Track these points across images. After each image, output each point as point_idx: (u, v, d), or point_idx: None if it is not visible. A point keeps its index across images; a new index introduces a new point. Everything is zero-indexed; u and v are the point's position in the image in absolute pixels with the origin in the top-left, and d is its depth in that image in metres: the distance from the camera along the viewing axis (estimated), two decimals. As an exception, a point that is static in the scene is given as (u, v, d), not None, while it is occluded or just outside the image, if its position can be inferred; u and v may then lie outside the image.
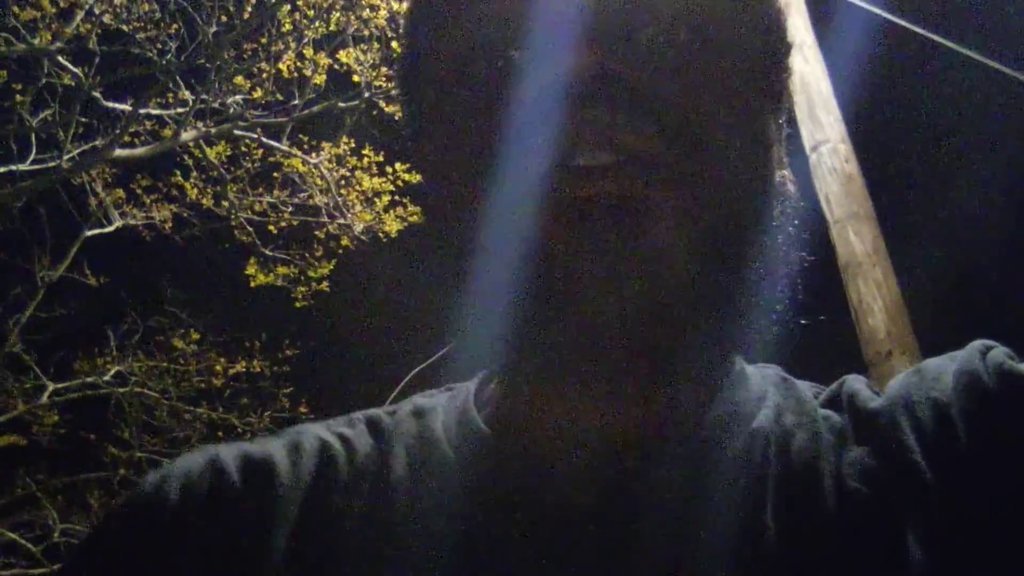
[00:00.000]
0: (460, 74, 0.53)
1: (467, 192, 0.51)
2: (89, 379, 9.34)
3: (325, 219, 8.77)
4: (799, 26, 4.33)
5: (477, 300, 0.50)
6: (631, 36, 0.50)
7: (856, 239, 3.86)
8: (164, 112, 7.88)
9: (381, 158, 8.65)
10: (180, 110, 7.74)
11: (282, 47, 7.81)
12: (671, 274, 0.47)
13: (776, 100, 0.56)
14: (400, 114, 0.62)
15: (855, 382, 0.57)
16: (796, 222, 0.55)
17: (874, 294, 3.77)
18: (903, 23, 4.43)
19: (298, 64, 7.98)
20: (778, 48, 0.56)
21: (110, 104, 7.46)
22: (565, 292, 0.47)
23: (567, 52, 0.49)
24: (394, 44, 7.88)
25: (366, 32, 7.92)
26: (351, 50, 7.97)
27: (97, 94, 7.29)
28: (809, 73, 4.18)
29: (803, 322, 0.57)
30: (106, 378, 9.39)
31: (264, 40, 7.76)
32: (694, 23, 0.51)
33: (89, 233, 8.86)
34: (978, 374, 0.51)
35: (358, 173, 8.62)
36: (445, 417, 0.58)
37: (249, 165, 8.68)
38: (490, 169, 0.50)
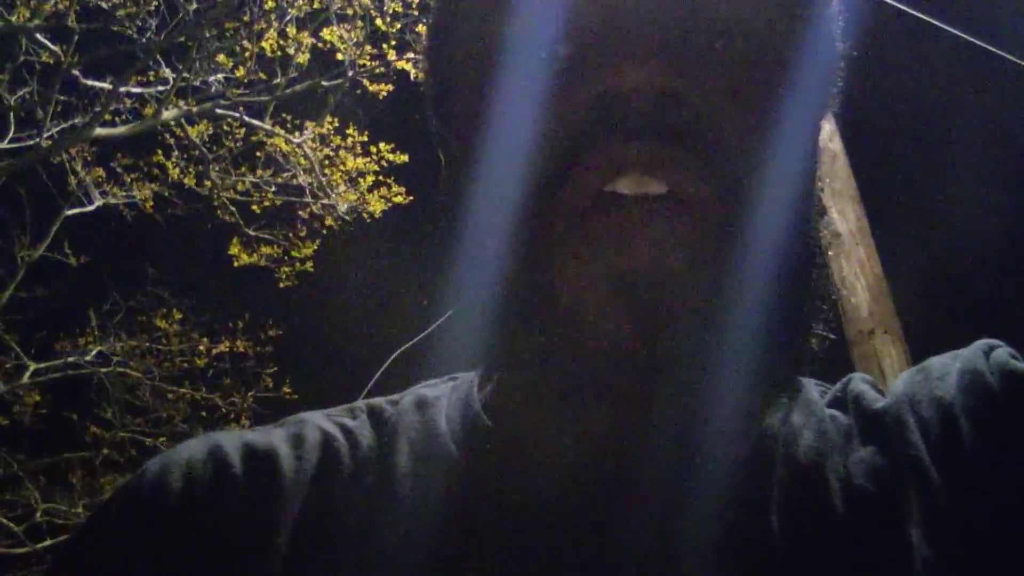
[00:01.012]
0: (490, 75, 0.50)
1: (490, 187, 0.49)
2: (71, 359, 9.29)
3: (309, 199, 8.73)
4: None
5: (473, 291, 0.50)
6: (688, 45, 0.47)
7: (839, 218, 3.87)
8: (145, 90, 7.80)
9: (365, 138, 8.61)
10: (161, 88, 7.66)
11: (264, 25, 7.74)
12: (676, 288, 0.46)
13: (826, 111, 0.54)
14: (425, 89, 0.59)
15: (860, 382, 0.57)
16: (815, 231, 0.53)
17: (857, 273, 3.79)
18: (890, 1, 4.43)
19: (281, 42, 7.91)
20: (835, 56, 0.54)
21: (90, 82, 7.38)
22: (566, 301, 0.46)
23: (631, 60, 0.45)
24: (378, 22, 7.83)
25: (350, 11, 7.85)
26: (335, 28, 7.91)
27: (76, 72, 7.21)
28: (794, 52, 4.17)
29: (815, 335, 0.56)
30: (88, 358, 9.33)
31: (246, 18, 7.69)
32: (751, 29, 0.48)
33: (69, 212, 8.77)
34: (982, 373, 0.51)
35: (342, 153, 8.58)
36: (448, 409, 0.57)
37: (231, 145, 8.62)
38: (519, 166, 0.48)
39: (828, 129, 4.05)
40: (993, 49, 4.35)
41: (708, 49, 0.47)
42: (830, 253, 3.84)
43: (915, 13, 4.41)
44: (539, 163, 0.47)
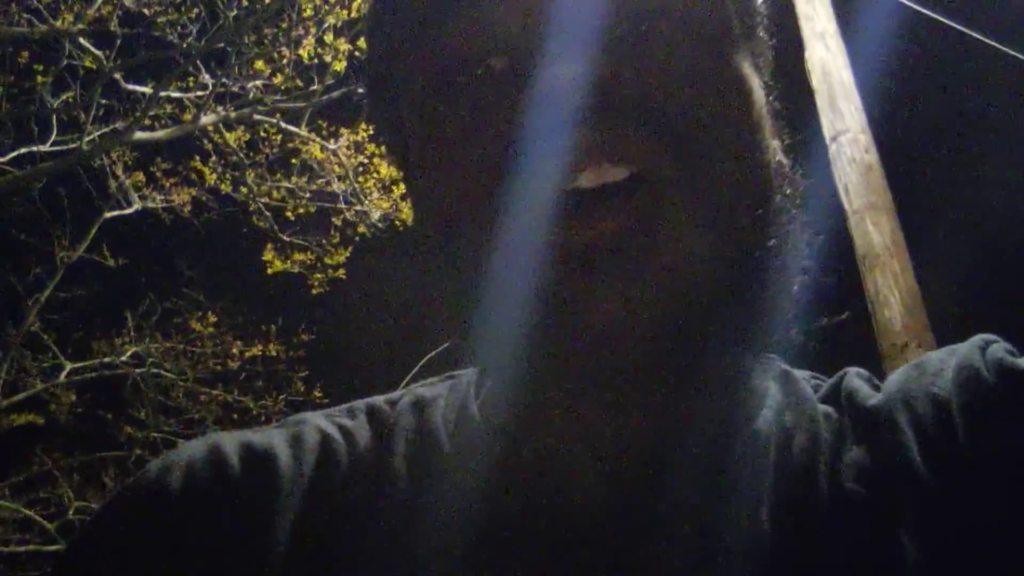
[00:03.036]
0: (438, 85, 0.50)
1: (455, 204, 0.49)
2: (107, 359, 9.42)
3: (342, 206, 8.78)
4: (821, 15, 4.30)
5: (477, 304, 0.49)
6: (628, 35, 0.48)
7: (874, 230, 3.84)
8: (184, 95, 7.91)
9: (399, 144, 8.62)
10: (200, 94, 7.76)
11: (302, 32, 7.81)
12: (683, 287, 0.46)
13: (761, 73, 0.54)
14: (370, 120, 0.59)
15: (855, 378, 0.56)
16: (797, 200, 0.53)
17: (891, 286, 3.76)
18: (926, 12, 4.40)
19: (318, 50, 7.98)
20: (752, 21, 0.54)
21: (131, 87, 7.51)
22: (573, 309, 0.46)
23: (564, 57, 0.46)
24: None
25: (386, 18, 7.89)
26: (371, 36, 7.95)
27: (118, 77, 7.33)
28: (831, 62, 4.15)
29: (823, 321, 0.55)
30: (123, 358, 9.46)
31: (285, 25, 7.76)
32: (669, 12, 0.49)
33: (108, 215, 8.91)
34: (977, 369, 0.51)
35: (376, 160, 8.62)
36: (446, 410, 0.57)
37: (268, 151, 8.71)
38: (479, 182, 0.48)
39: (863, 141, 4.02)
40: (1032, 62, 4.30)
41: (633, 32, 0.48)
42: (864, 266, 3.82)
43: (952, 24, 4.38)
44: (496, 171, 0.47)
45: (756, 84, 0.52)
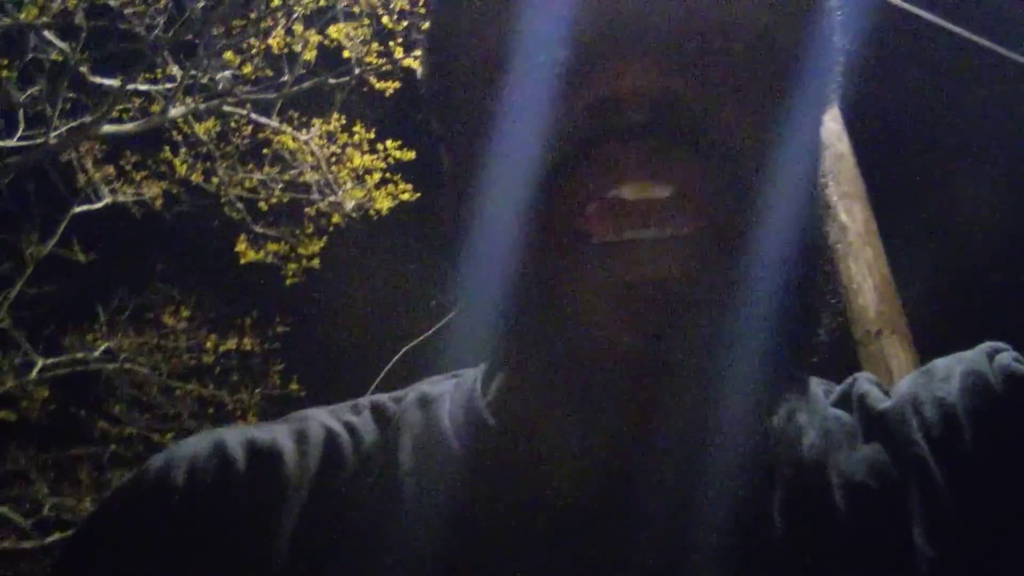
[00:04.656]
0: (499, 65, 0.49)
1: (491, 190, 0.49)
2: (79, 355, 9.32)
3: (316, 196, 8.73)
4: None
5: (479, 291, 0.49)
6: (686, 46, 0.46)
7: (847, 218, 3.86)
8: (153, 88, 7.81)
9: (372, 135, 8.61)
10: (169, 86, 7.67)
11: (271, 22, 7.74)
12: (682, 295, 0.45)
13: (826, 108, 0.53)
14: (425, 92, 0.58)
15: (865, 382, 0.57)
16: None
17: (864, 273, 3.78)
18: (898, 1, 4.42)
19: (288, 40, 7.91)
20: (834, 54, 0.53)
21: (98, 80, 7.40)
22: (570, 309, 0.46)
23: (628, 63, 0.45)
24: (384, 20, 7.83)
25: (356, 8, 7.86)
26: (341, 26, 7.91)
27: (84, 69, 7.22)
28: (802, 51, 4.16)
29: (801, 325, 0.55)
30: (96, 354, 9.36)
31: (253, 15, 7.69)
32: (749, 29, 0.47)
33: (78, 209, 8.79)
34: (985, 376, 0.52)
35: (349, 150, 8.58)
36: (451, 407, 0.57)
37: (239, 141, 8.62)
38: (520, 173, 0.47)
39: (835, 129, 4.04)
40: (1000, 50, 4.33)
41: (704, 49, 0.47)
42: (838, 254, 3.84)
43: (922, 13, 4.40)
44: (540, 168, 0.47)
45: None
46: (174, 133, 8.60)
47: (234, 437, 0.55)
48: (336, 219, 8.89)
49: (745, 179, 0.46)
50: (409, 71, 8.03)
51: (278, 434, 0.55)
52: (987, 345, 0.55)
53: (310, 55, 7.98)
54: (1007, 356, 0.53)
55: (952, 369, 0.54)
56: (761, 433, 0.52)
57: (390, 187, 8.73)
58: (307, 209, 8.92)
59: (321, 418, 0.57)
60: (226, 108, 7.89)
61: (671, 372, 0.46)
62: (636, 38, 0.46)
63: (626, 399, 0.48)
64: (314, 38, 7.92)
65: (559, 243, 0.47)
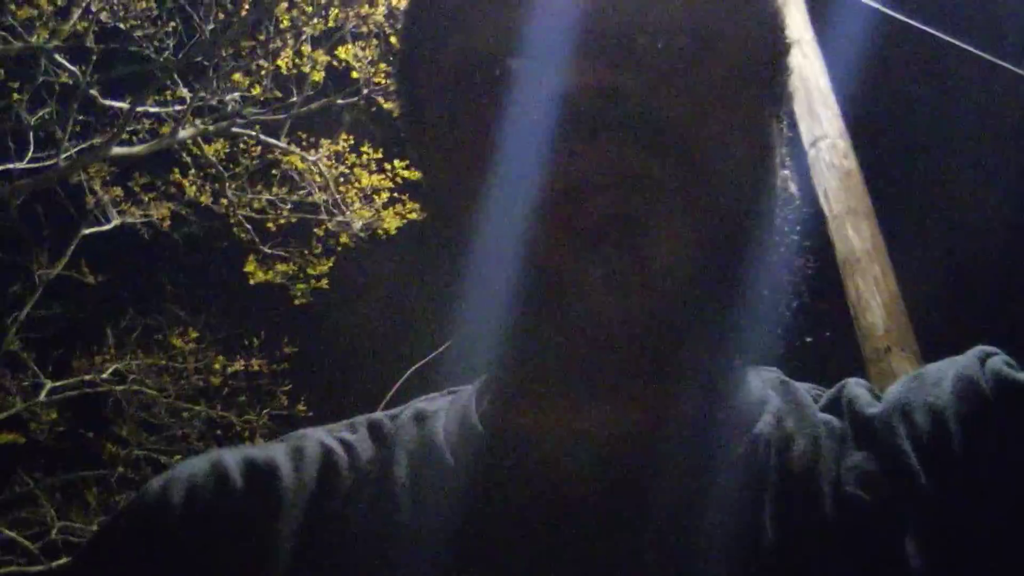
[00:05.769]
0: (457, 81, 0.51)
1: (463, 199, 0.50)
2: (87, 377, 9.34)
3: (324, 216, 8.76)
4: (797, 21, 4.32)
5: (475, 303, 0.50)
6: (633, 46, 0.49)
7: (854, 235, 3.85)
8: (162, 110, 7.87)
9: (380, 155, 8.64)
10: (178, 108, 7.72)
11: (280, 44, 7.79)
12: (672, 284, 0.47)
13: (778, 103, 0.55)
14: (398, 112, 0.61)
15: (855, 387, 0.57)
16: (797, 226, 0.55)
17: (872, 290, 3.77)
18: (902, 18, 4.43)
19: (296, 61, 7.95)
20: (780, 48, 0.55)
21: (108, 102, 7.46)
22: (565, 301, 0.47)
23: (570, 65, 0.47)
24: (392, 39, 7.87)
25: (364, 28, 7.90)
26: (349, 46, 7.95)
27: (95, 92, 7.28)
28: (808, 68, 4.17)
29: (808, 339, 0.57)
30: (104, 376, 9.38)
31: (262, 37, 7.74)
32: (694, 27, 0.49)
33: (87, 231, 8.84)
34: (976, 381, 0.51)
35: (357, 170, 8.61)
36: (447, 422, 0.58)
37: (247, 163, 8.66)
38: (486, 180, 0.49)
39: (843, 147, 4.04)
40: (1007, 66, 4.34)
41: (653, 47, 0.49)
42: (845, 271, 3.83)
43: (929, 30, 4.41)
44: (509, 173, 0.48)
45: (771, 113, 0.53)
46: (183, 155, 8.64)
47: (232, 456, 0.56)
48: (344, 239, 8.91)
49: (700, 169, 0.48)
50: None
51: (275, 452, 0.56)
52: (979, 349, 0.55)
53: (318, 76, 8.02)
54: (999, 361, 0.53)
55: (943, 373, 0.53)
56: (749, 440, 0.52)
57: (398, 207, 8.75)
58: (315, 229, 8.96)
59: (318, 436, 0.58)
60: (235, 129, 7.93)
61: (645, 348, 0.47)
62: (588, 38, 0.48)
63: (618, 405, 0.49)
64: (322, 59, 7.97)
65: (557, 241, 0.48)
